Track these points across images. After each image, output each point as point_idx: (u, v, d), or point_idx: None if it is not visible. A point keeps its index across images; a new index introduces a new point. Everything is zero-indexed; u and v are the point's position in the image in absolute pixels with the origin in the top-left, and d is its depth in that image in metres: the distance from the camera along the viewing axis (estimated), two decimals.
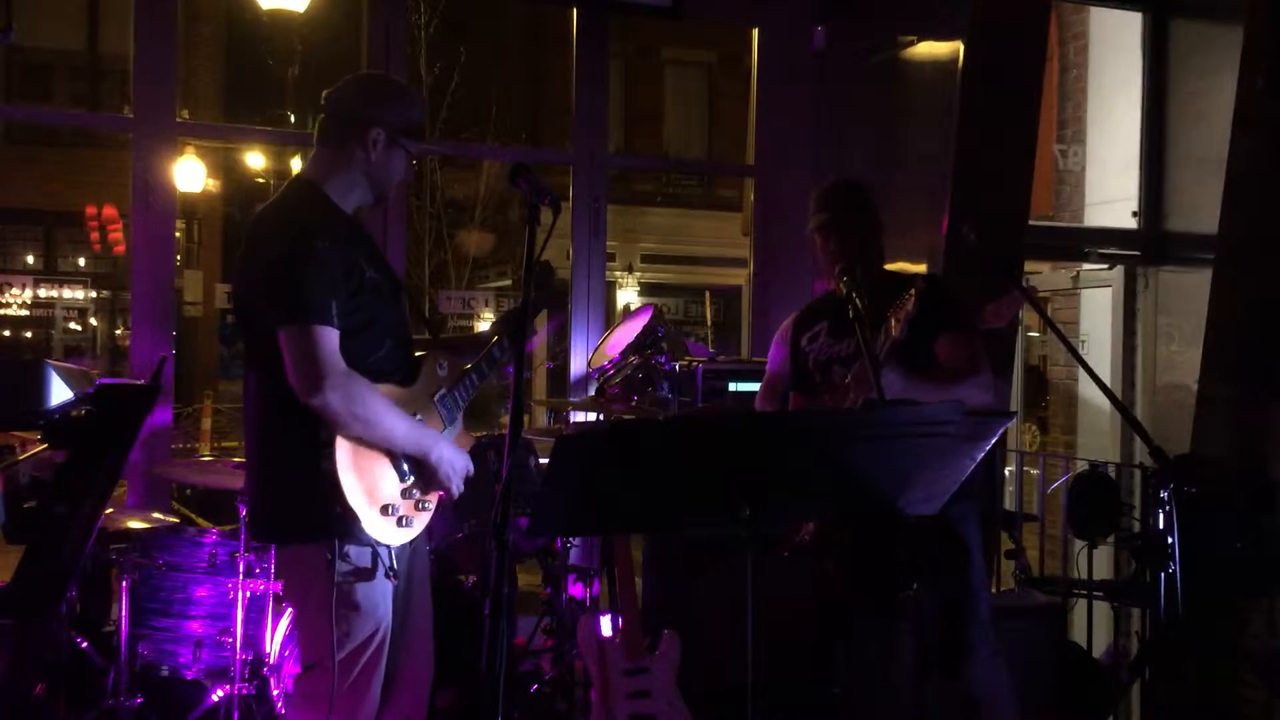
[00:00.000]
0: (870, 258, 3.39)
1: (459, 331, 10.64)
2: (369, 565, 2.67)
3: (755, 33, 5.90)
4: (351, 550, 2.64)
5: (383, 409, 2.62)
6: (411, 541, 2.80)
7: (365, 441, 2.62)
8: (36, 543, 3.21)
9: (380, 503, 2.64)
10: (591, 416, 5.04)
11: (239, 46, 17.83)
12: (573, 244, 5.55)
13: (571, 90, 5.56)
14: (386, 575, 2.69)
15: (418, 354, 2.87)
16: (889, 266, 3.57)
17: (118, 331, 18.55)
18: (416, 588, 2.91)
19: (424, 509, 2.78)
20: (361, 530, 2.61)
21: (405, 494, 2.71)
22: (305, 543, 2.66)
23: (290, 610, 2.95)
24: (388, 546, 2.69)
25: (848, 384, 3.11)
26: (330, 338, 2.55)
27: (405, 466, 2.72)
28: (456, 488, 2.79)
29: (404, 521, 2.70)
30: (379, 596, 2.70)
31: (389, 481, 2.68)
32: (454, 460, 2.77)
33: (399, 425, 2.66)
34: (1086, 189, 6.73)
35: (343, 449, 2.59)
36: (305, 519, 2.64)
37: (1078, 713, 4.26)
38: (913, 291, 2.77)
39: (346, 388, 2.55)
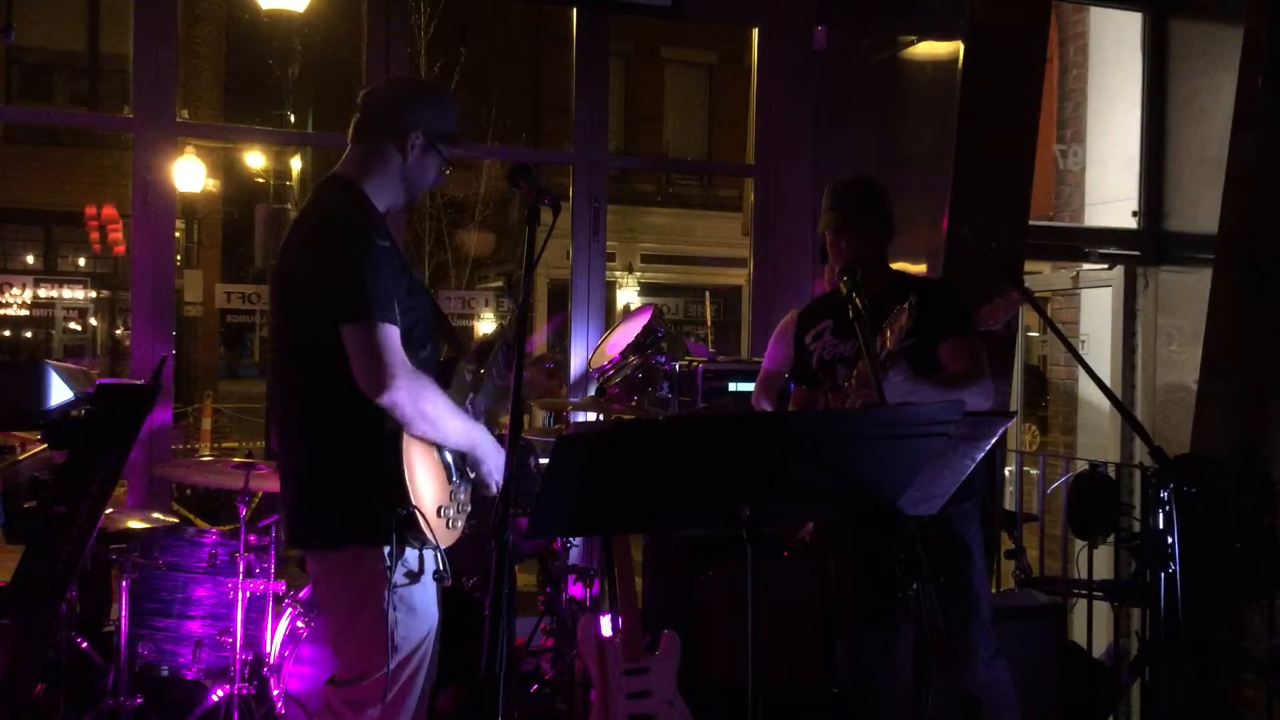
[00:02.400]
0: (879, 258, 3.39)
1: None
2: (418, 568, 2.64)
3: (755, 33, 5.90)
4: (407, 553, 2.60)
5: (444, 406, 2.61)
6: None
7: (425, 440, 2.61)
8: (36, 543, 3.22)
9: (435, 504, 2.63)
10: (591, 416, 5.04)
11: (239, 46, 17.84)
12: (573, 244, 5.54)
13: (571, 90, 5.57)
14: (435, 577, 2.67)
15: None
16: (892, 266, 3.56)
17: (118, 331, 18.56)
18: None
19: (464, 511, 2.77)
20: (421, 532, 2.57)
21: (451, 495, 2.71)
22: (367, 546, 2.57)
23: (325, 618, 2.86)
24: (437, 548, 2.66)
25: (850, 385, 3.11)
26: (395, 335, 2.52)
27: (453, 468, 2.72)
28: (496, 484, 2.76)
29: (451, 523, 2.69)
30: (429, 598, 2.69)
31: (440, 483, 2.67)
32: (498, 458, 2.74)
33: (455, 422, 2.65)
34: (1086, 189, 6.72)
35: (407, 449, 2.57)
36: (369, 521, 2.55)
37: (1078, 713, 4.26)
38: (905, 306, 2.77)
39: (413, 385, 2.52)
